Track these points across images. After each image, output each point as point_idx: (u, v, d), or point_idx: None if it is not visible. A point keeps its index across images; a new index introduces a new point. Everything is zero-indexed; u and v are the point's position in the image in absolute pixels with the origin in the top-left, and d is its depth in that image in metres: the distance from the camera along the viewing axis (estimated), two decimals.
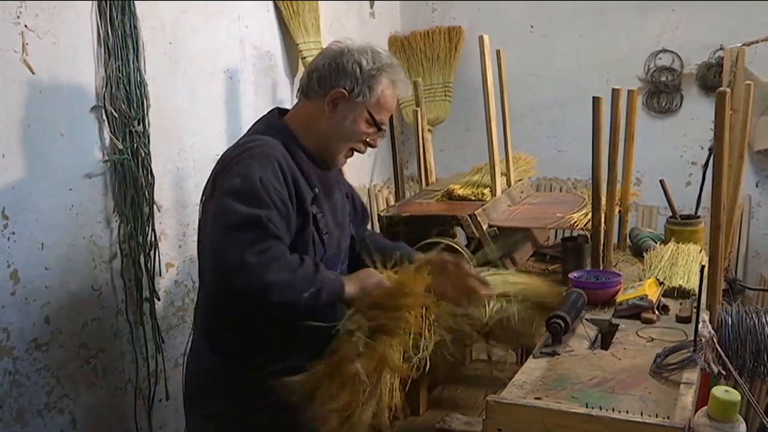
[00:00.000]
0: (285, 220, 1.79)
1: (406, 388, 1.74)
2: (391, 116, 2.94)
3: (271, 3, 3.39)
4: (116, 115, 2.48)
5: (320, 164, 1.97)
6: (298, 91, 1.99)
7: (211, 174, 1.87)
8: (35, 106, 2.27)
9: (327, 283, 1.76)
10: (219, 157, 1.90)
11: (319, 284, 1.74)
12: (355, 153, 2.01)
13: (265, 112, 2.04)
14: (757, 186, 3.94)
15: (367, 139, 1.97)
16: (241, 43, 3.19)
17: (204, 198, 1.88)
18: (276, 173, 1.79)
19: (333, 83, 1.90)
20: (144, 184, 2.58)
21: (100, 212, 2.50)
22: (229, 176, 1.77)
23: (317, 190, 1.93)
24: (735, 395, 1.37)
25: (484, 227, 2.39)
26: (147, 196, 2.59)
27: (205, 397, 1.91)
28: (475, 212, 2.40)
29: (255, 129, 1.99)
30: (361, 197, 2.31)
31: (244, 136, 1.97)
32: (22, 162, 2.24)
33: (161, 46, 2.71)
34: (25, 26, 2.22)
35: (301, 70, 3.49)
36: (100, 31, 2.45)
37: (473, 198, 2.65)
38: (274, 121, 1.98)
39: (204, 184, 1.90)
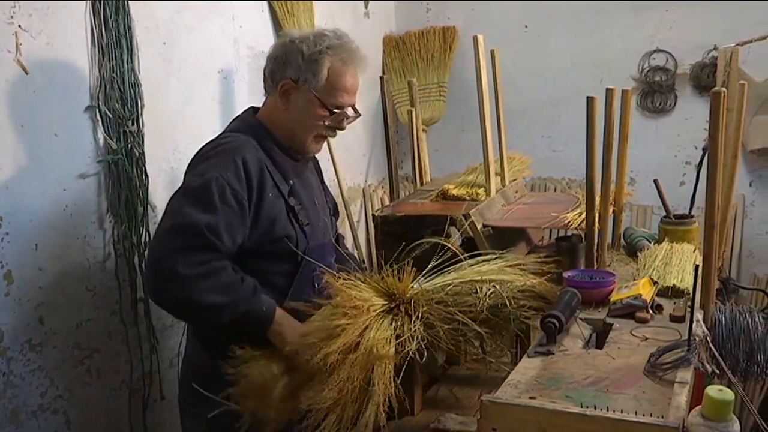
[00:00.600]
0: (237, 221, 1.82)
1: (398, 387, 1.74)
2: (386, 116, 2.95)
3: (265, 3, 3.39)
4: (110, 115, 2.48)
5: (294, 156, 2.01)
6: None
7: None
8: (29, 107, 2.26)
9: (254, 314, 1.82)
10: None
11: (244, 310, 1.80)
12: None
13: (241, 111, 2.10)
14: (750, 186, 3.95)
15: (327, 123, 1.98)
16: (236, 43, 3.18)
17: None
18: (238, 172, 1.82)
19: (281, 75, 1.95)
20: (138, 185, 2.57)
21: (94, 212, 2.50)
22: (191, 174, 1.85)
23: (292, 182, 1.96)
24: (729, 394, 1.38)
25: (479, 227, 2.38)
26: (141, 196, 2.59)
27: (199, 396, 1.88)
28: (470, 212, 2.39)
29: (230, 127, 2.03)
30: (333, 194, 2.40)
31: (219, 134, 2.01)
32: (16, 162, 2.23)
33: (155, 46, 2.70)
34: (19, 26, 2.21)
35: None
36: (94, 31, 2.44)
37: (468, 198, 2.65)
38: (249, 119, 2.03)
39: None
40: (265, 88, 2.05)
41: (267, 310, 1.84)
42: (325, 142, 2.18)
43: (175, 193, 1.86)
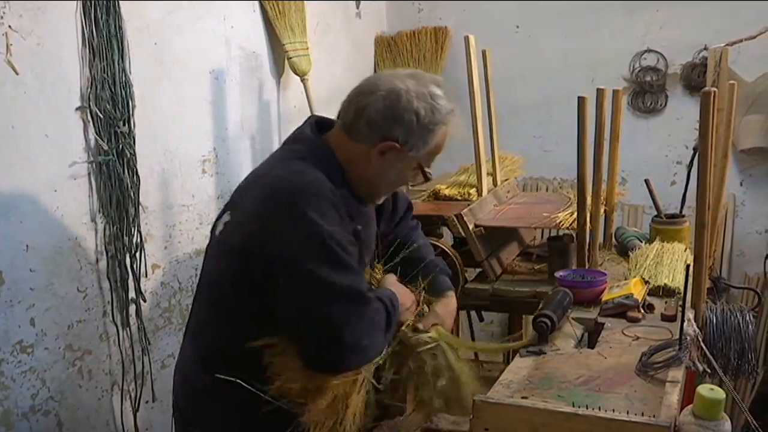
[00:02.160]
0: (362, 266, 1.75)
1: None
2: None
3: (256, 3, 3.38)
4: (101, 116, 2.47)
5: (361, 200, 1.82)
6: (339, 119, 1.79)
7: (252, 209, 1.68)
8: (19, 107, 2.25)
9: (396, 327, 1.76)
10: (250, 182, 1.77)
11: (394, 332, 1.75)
12: None
13: (303, 124, 1.84)
14: (741, 185, 3.97)
15: (411, 182, 1.89)
16: (227, 44, 3.18)
17: (241, 238, 1.67)
18: (337, 218, 1.65)
19: (384, 131, 1.70)
20: (129, 185, 2.56)
21: (85, 213, 2.49)
22: (294, 233, 1.59)
23: (359, 227, 1.78)
24: (720, 393, 1.38)
25: (471, 227, 2.39)
26: (132, 198, 2.58)
27: (202, 418, 1.82)
28: (462, 212, 2.40)
29: (296, 152, 1.76)
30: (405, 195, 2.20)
31: (282, 155, 1.78)
32: (6, 163, 2.22)
33: (146, 47, 2.70)
34: (9, 27, 2.20)
35: (287, 70, 3.48)
36: (85, 32, 2.43)
37: (459, 198, 2.66)
38: (321, 148, 1.77)
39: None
40: (347, 130, 1.75)
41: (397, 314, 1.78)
42: None
43: (279, 255, 1.61)
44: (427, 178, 1.82)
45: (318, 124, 1.83)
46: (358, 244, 1.75)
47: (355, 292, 1.62)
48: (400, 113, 1.69)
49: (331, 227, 1.60)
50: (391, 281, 1.87)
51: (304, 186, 1.64)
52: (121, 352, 2.61)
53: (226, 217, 1.77)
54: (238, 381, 1.63)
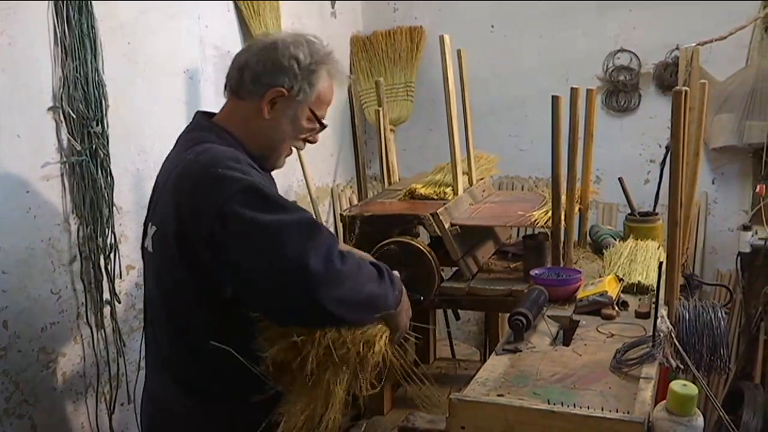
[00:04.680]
0: None
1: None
2: (353, 116, 2.95)
3: (231, 3, 3.37)
4: (74, 116, 2.45)
5: (264, 168, 1.83)
6: (226, 89, 1.85)
7: (175, 200, 1.64)
8: None
9: (395, 303, 1.68)
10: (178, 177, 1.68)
11: (392, 304, 1.66)
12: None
13: (193, 118, 1.89)
14: (713, 183, 4.01)
15: (308, 137, 1.87)
16: (201, 43, 3.16)
17: (174, 228, 1.64)
18: (260, 177, 1.65)
19: (270, 82, 1.75)
20: (103, 186, 2.54)
21: (58, 214, 2.47)
22: (220, 192, 1.56)
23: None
24: (693, 389, 1.40)
25: (447, 226, 2.39)
26: (106, 198, 2.56)
27: None
28: (437, 211, 2.40)
29: (195, 139, 1.78)
30: None
31: (181, 149, 1.77)
32: None
33: (120, 46, 2.68)
34: None
35: None
36: (57, 31, 2.41)
37: (435, 197, 2.66)
38: (216, 129, 1.80)
39: None
40: (234, 92, 1.81)
41: (400, 292, 1.72)
42: None
43: (222, 226, 1.55)
44: (322, 125, 1.85)
45: (205, 114, 1.88)
46: None
47: (304, 221, 1.57)
48: (281, 60, 1.75)
49: (255, 179, 1.60)
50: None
51: (217, 156, 1.65)
52: (96, 354, 2.59)
53: (151, 231, 1.76)
54: (230, 350, 1.58)
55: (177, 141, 1.87)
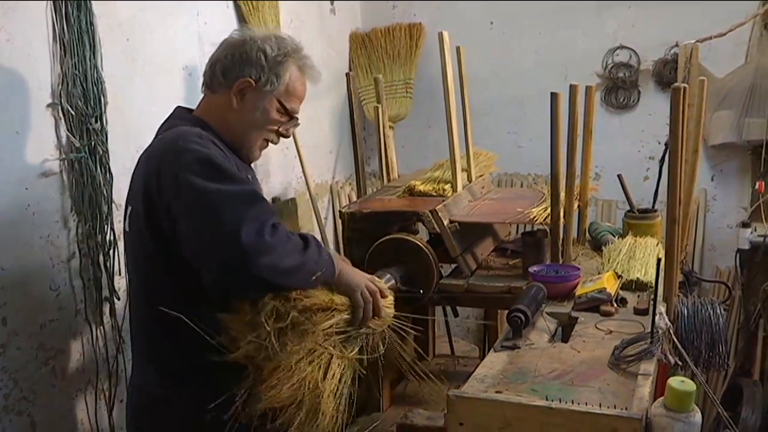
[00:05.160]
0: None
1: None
2: (352, 113, 2.95)
3: (230, 0, 3.36)
4: (73, 113, 2.45)
5: (241, 158, 1.90)
6: (203, 85, 1.93)
7: (144, 176, 1.75)
8: None
9: (327, 265, 1.72)
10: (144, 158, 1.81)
11: (323, 266, 1.70)
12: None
13: (169, 114, 1.95)
14: (712, 180, 4.01)
15: (280, 129, 1.92)
16: (200, 40, 3.16)
17: (145, 200, 1.73)
18: (222, 155, 1.73)
19: (238, 73, 1.84)
20: (102, 183, 2.54)
21: (57, 211, 2.46)
22: (178, 161, 1.66)
23: (249, 176, 1.89)
24: (690, 386, 1.40)
25: (446, 223, 2.40)
26: (105, 195, 2.56)
27: (161, 428, 1.83)
28: (436, 208, 2.41)
29: (170, 125, 1.87)
30: None
31: (163, 136, 1.85)
32: None
33: (119, 43, 2.68)
34: None
35: None
36: (56, 28, 2.41)
37: (434, 194, 2.67)
38: (193, 119, 1.88)
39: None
40: (208, 86, 1.91)
41: (329, 257, 1.75)
42: (291, 139, 2.14)
43: (177, 194, 1.64)
44: (292, 118, 1.92)
45: (184, 109, 1.96)
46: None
47: (246, 193, 1.64)
48: (248, 53, 1.84)
49: (211, 152, 1.68)
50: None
51: (181, 132, 1.75)
52: (95, 351, 2.59)
53: (129, 211, 1.84)
54: (182, 317, 1.64)
55: (156, 134, 1.94)
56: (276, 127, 1.91)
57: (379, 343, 1.80)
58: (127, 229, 1.84)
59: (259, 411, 1.62)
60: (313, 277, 1.69)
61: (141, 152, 2.74)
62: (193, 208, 1.62)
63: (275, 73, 1.85)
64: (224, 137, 1.85)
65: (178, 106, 1.97)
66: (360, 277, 1.82)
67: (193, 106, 1.97)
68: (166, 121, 1.93)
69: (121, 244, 2.64)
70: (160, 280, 1.76)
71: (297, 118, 1.94)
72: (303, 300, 1.67)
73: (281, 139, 1.97)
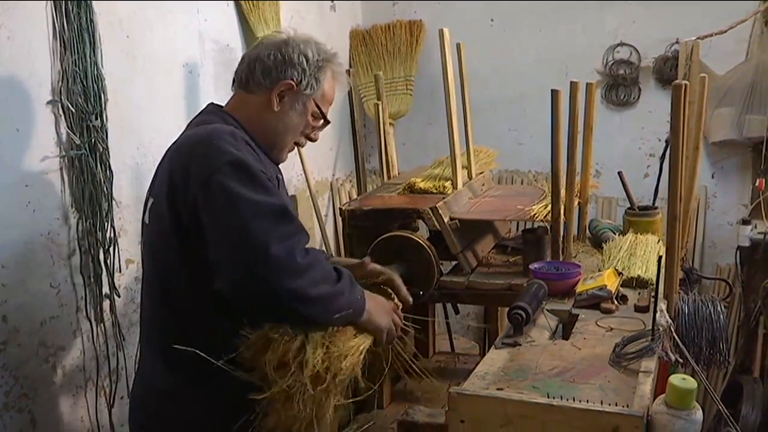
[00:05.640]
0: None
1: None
2: (353, 110, 2.95)
3: None
4: (73, 110, 2.44)
5: (270, 159, 1.88)
6: (234, 83, 1.91)
7: (169, 170, 1.70)
8: None
9: (356, 306, 1.68)
10: (173, 148, 1.77)
11: (351, 305, 1.66)
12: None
13: (201, 109, 1.93)
14: (712, 177, 4.01)
15: (311, 133, 1.94)
16: (201, 38, 3.16)
17: (170, 193, 1.68)
18: (254, 156, 1.70)
19: (280, 75, 1.83)
20: (102, 180, 2.54)
21: (57, 208, 2.46)
22: (209, 158, 1.62)
23: (279, 176, 1.87)
24: (692, 383, 1.40)
25: (446, 220, 2.40)
26: (105, 192, 2.56)
27: (165, 425, 1.80)
28: (437, 205, 2.41)
29: (202, 121, 1.84)
30: None
31: (195, 131, 1.80)
32: None
33: (119, 41, 2.67)
34: None
35: None
36: (56, 25, 2.41)
37: (435, 191, 2.66)
38: (225, 116, 1.85)
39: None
40: (242, 86, 1.87)
41: (361, 298, 1.72)
42: None
43: (205, 186, 1.60)
44: (326, 121, 1.94)
45: (217, 106, 1.93)
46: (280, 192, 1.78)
47: (277, 207, 1.60)
48: (291, 56, 1.84)
49: (246, 157, 1.65)
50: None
51: (214, 129, 1.71)
52: (95, 348, 2.59)
53: (150, 204, 1.81)
54: (196, 352, 1.60)
55: (187, 126, 1.93)
56: (309, 131, 1.92)
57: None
58: (147, 222, 1.82)
59: (269, 426, 1.60)
60: (337, 315, 1.64)
61: (141, 149, 2.78)
62: (224, 212, 1.58)
63: (316, 78, 1.86)
64: (256, 137, 1.83)
65: (211, 102, 1.95)
66: (386, 317, 1.79)
67: (193, 104, 1.97)
68: (198, 115, 1.91)
69: (121, 241, 2.65)
70: (176, 274, 1.73)
71: (329, 122, 1.96)
72: (334, 349, 1.61)
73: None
